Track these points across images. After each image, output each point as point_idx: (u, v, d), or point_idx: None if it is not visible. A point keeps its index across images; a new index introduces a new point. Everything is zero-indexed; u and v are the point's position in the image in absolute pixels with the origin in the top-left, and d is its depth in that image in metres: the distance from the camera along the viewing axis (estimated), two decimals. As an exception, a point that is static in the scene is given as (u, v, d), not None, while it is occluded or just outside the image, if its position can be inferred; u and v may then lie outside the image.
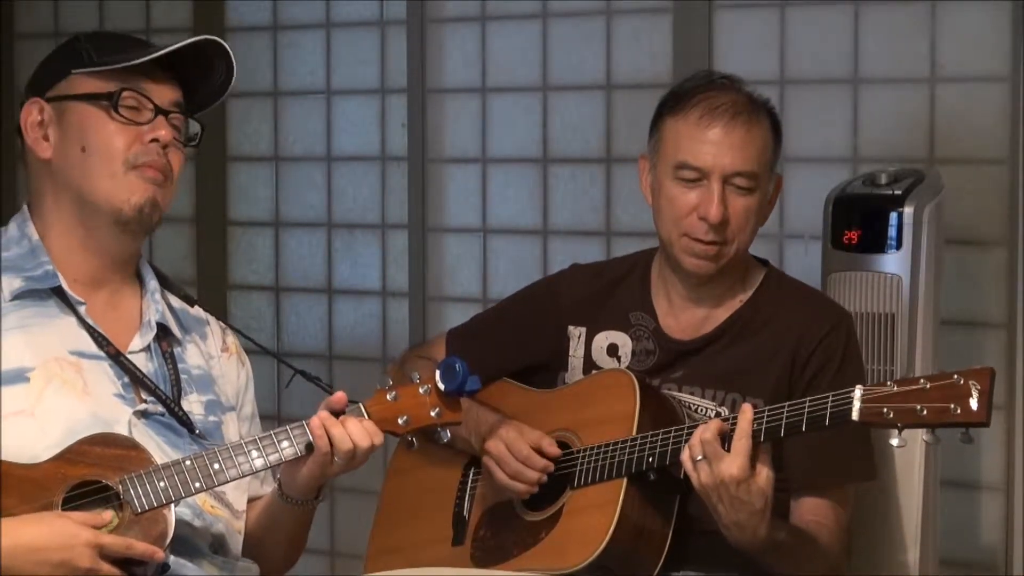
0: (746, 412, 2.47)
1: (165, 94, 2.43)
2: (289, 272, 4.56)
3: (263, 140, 4.57)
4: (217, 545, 2.43)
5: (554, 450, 2.74)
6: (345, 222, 4.46)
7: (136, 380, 2.40)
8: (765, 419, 2.48)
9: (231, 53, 2.46)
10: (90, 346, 2.39)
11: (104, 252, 2.44)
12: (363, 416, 2.38)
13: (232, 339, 2.61)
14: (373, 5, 4.38)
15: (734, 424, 2.47)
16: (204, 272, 4.64)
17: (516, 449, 2.74)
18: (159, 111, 2.41)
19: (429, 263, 4.31)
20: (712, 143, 2.69)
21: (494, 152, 4.23)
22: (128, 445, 2.31)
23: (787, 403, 2.49)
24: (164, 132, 2.41)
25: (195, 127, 2.49)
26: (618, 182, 4.03)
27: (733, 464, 2.44)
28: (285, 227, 4.56)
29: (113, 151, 2.39)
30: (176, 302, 2.54)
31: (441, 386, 2.39)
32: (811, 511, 2.67)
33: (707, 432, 2.47)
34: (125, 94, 2.39)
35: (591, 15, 4.06)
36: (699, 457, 2.47)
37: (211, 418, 2.47)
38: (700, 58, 3.79)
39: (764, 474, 2.47)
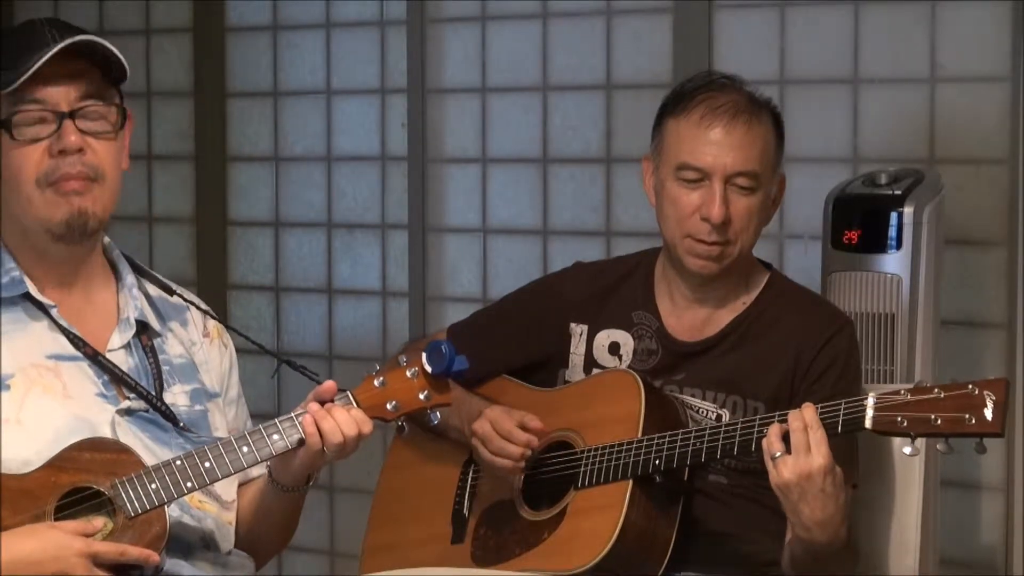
0: (810, 406, 2.46)
1: (68, 93, 2.31)
2: (289, 272, 4.56)
3: (263, 140, 4.57)
4: (208, 541, 2.42)
5: (536, 424, 2.74)
6: (345, 222, 4.46)
7: (116, 378, 2.39)
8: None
9: (104, 43, 2.33)
10: (67, 348, 2.37)
11: (63, 259, 2.40)
12: (352, 405, 2.37)
13: (213, 324, 2.58)
14: (373, 5, 4.38)
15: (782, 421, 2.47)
16: (204, 272, 4.64)
17: (500, 426, 2.74)
18: (63, 116, 2.30)
19: (429, 263, 4.31)
20: (713, 143, 2.69)
21: (494, 152, 4.23)
22: (117, 449, 2.30)
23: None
24: (72, 139, 2.30)
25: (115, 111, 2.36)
26: (618, 182, 4.03)
27: (818, 455, 2.43)
28: (285, 227, 4.56)
29: (23, 176, 2.31)
30: (154, 290, 2.51)
31: (428, 368, 2.38)
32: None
33: (796, 422, 2.45)
34: (18, 115, 2.30)
35: (591, 15, 4.06)
36: (778, 453, 2.46)
37: (196, 407, 2.46)
38: (700, 58, 3.80)
39: (838, 469, 2.47)
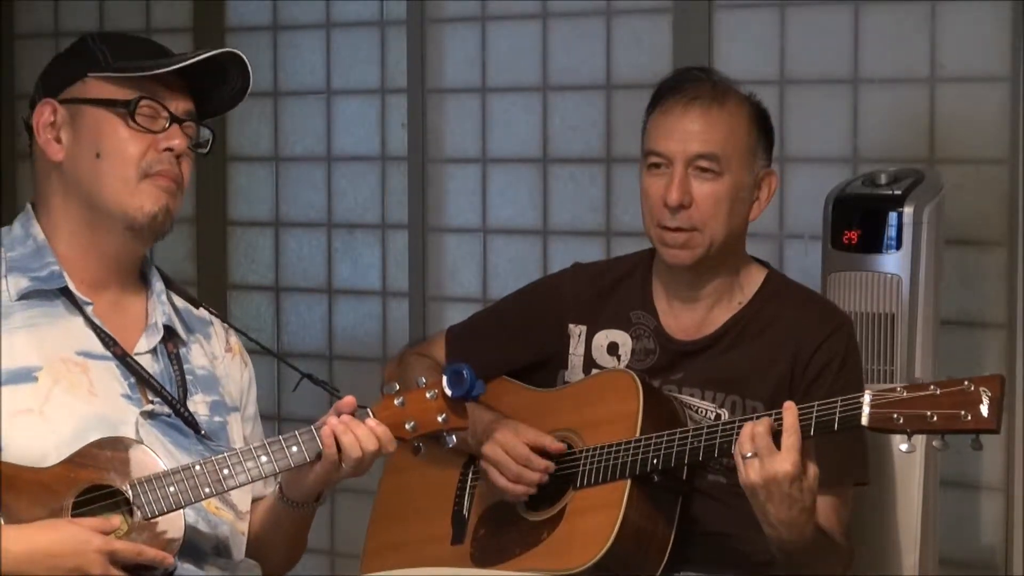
0: (792, 409, 2.46)
1: (179, 103, 2.43)
2: (289, 272, 4.57)
3: (263, 140, 4.58)
4: (221, 547, 2.43)
5: (557, 447, 2.74)
6: (345, 222, 4.46)
7: (142, 381, 2.40)
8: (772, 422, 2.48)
9: (248, 63, 2.45)
10: (97, 347, 2.39)
11: (111, 255, 2.44)
12: (373, 421, 2.38)
13: (235, 339, 2.61)
14: (373, 5, 4.38)
15: (777, 421, 2.47)
16: (204, 272, 4.65)
17: (515, 453, 2.74)
18: (174, 119, 2.41)
19: (429, 263, 4.32)
20: (673, 128, 2.72)
21: (494, 152, 4.23)
22: (137, 449, 2.31)
23: (797, 407, 2.48)
24: (179, 141, 2.40)
25: (206, 133, 2.48)
26: (618, 182, 4.03)
27: (787, 460, 2.43)
28: (285, 227, 4.56)
29: (128, 158, 2.38)
30: (180, 302, 2.54)
31: (448, 392, 2.40)
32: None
33: (759, 427, 2.45)
34: (143, 103, 2.39)
35: (591, 15, 4.06)
36: (749, 454, 2.46)
37: (216, 419, 2.47)
38: (700, 58, 3.80)
39: (812, 471, 2.46)
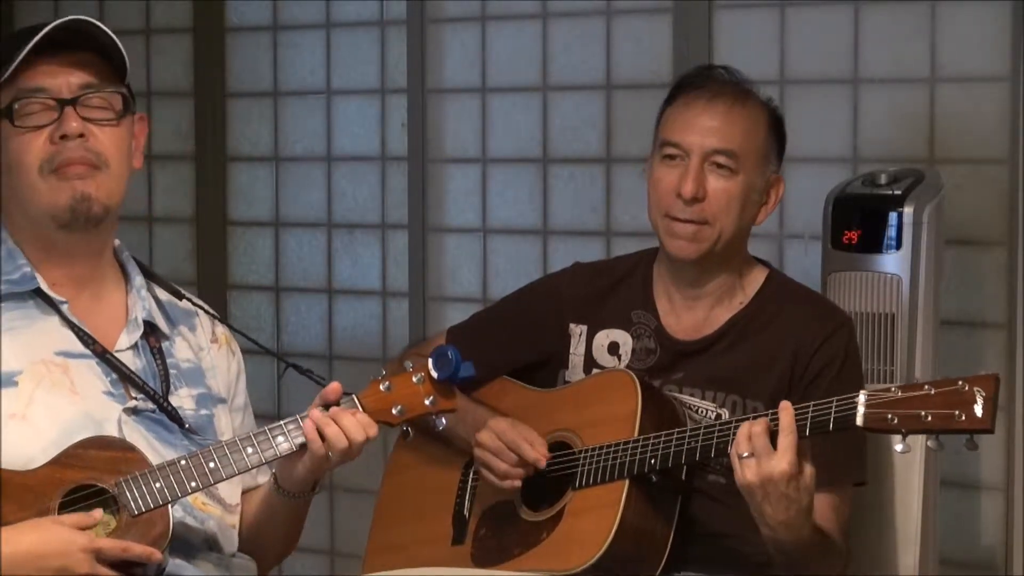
0: (788, 409, 2.46)
1: (70, 81, 2.35)
2: (289, 272, 4.56)
3: (263, 140, 4.57)
4: (211, 542, 2.43)
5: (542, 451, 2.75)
6: (345, 222, 4.46)
7: (124, 377, 2.39)
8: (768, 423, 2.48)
9: (94, 21, 2.36)
10: (76, 345, 2.38)
11: (69, 254, 2.41)
12: (357, 408, 2.38)
13: (222, 329, 2.59)
14: (373, 5, 4.38)
15: (774, 421, 2.47)
16: (204, 272, 4.64)
17: (507, 438, 2.74)
18: (64, 103, 2.33)
19: (429, 263, 4.31)
20: (693, 122, 2.73)
21: (494, 152, 4.23)
22: (123, 447, 2.31)
23: (793, 407, 2.48)
24: (74, 125, 2.33)
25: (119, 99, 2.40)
26: (618, 182, 4.03)
27: (783, 460, 2.43)
28: (285, 227, 4.56)
29: (25, 163, 2.34)
30: (163, 295, 2.53)
31: (434, 374, 2.39)
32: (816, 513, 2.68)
33: (756, 427, 2.45)
34: (17, 104, 2.34)
35: (591, 15, 4.06)
36: (745, 454, 2.46)
37: (202, 412, 2.47)
38: (700, 58, 3.79)
39: (808, 471, 2.46)
